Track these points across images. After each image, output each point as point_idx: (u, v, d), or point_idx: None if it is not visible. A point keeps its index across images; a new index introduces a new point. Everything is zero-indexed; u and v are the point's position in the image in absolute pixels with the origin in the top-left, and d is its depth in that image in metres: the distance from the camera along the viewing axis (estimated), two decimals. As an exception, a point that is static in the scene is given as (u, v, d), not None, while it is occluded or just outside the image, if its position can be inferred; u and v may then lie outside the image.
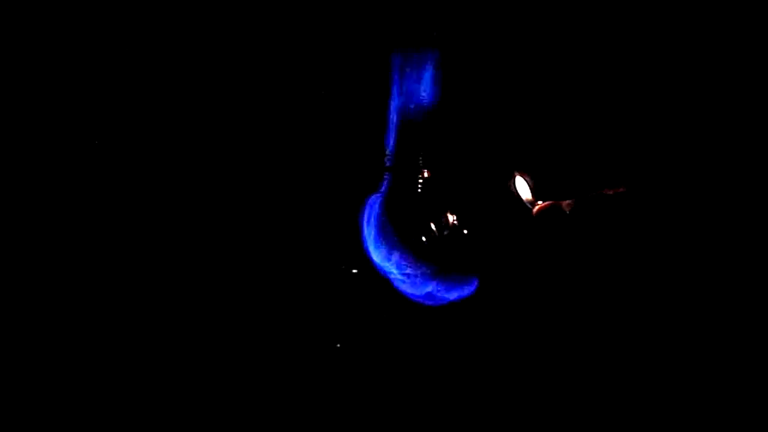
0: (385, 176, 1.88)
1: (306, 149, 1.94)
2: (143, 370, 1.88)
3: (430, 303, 1.90)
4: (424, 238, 1.84)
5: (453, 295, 1.89)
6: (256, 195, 1.94)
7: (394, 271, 1.84)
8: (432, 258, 1.86)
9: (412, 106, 1.84)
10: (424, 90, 1.84)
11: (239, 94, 1.94)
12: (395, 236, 1.85)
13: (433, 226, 1.85)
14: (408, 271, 1.85)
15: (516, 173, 1.73)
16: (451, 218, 1.86)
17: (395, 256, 1.85)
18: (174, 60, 1.93)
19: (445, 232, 1.84)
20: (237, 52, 1.93)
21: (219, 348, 1.91)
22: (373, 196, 1.86)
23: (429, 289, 1.89)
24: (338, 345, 1.90)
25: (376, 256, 1.85)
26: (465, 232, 1.85)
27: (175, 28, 1.91)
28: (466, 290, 1.88)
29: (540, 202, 1.68)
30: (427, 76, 1.83)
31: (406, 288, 1.87)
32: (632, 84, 1.79)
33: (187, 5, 1.90)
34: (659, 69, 1.77)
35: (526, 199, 1.72)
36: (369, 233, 1.85)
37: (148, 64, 1.92)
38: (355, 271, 1.88)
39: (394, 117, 1.84)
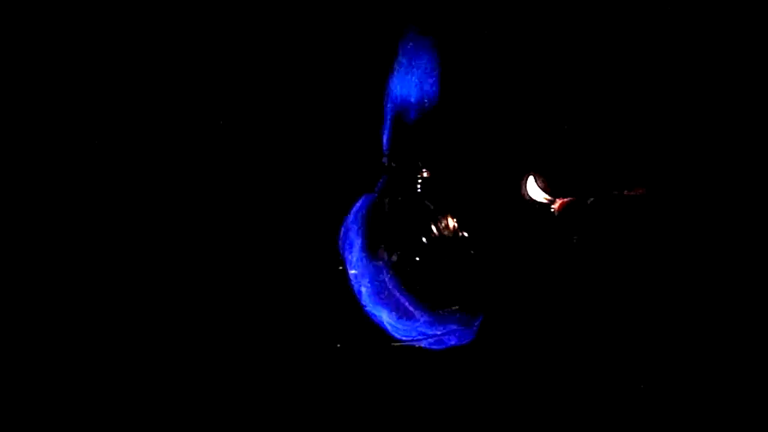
0: (382, 176, 1.78)
1: (301, 148, 1.86)
2: (142, 370, 1.80)
3: (423, 342, 1.75)
4: (424, 239, 1.72)
5: (446, 333, 1.74)
6: (249, 193, 1.85)
7: (365, 285, 1.71)
8: (427, 270, 1.74)
9: (411, 103, 1.76)
10: (424, 86, 1.76)
11: (235, 93, 1.88)
12: (385, 240, 1.73)
13: (433, 228, 1.73)
14: (389, 288, 1.72)
15: (527, 175, 1.65)
16: (452, 222, 1.75)
17: (378, 265, 1.72)
18: (171, 60, 1.88)
19: (445, 233, 1.73)
20: (235, 51, 1.88)
21: (206, 346, 1.81)
22: (366, 197, 1.76)
23: (418, 323, 1.75)
24: (338, 345, 1.76)
25: (355, 259, 1.72)
26: (466, 235, 1.74)
27: (174, 28, 1.87)
28: (467, 333, 1.73)
29: (559, 199, 1.60)
30: (428, 71, 1.76)
31: (384, 317, 1.74)
32: (647, 87, 1.74)
33: (187, 5, 1.87)
34: (677, 73, 1.73)
35: (544, 198, 1.63)
36: (350, 236, 1.73)
37: (147, 65, 1.88)
38: (354, 272, 1.75)
39: (391, 114, 1.76)
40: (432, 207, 1.75)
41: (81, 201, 1.84)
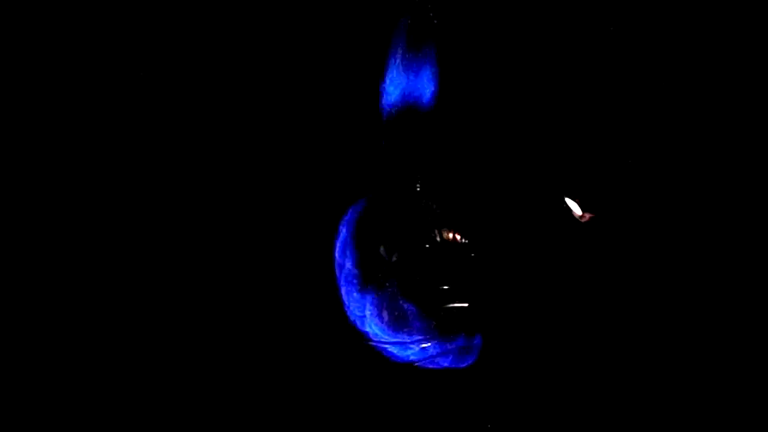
0: (378, 179, 1.74)
1: (299, 149, 1.84)
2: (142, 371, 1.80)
3: (416, 360, 1.70)
4: (425, 241, 1.67)
5: (442, 352, 1.69)
6: (246, 193, 1.84)
7: (358, 287, 1.67)
8: (427, 272, 1.69)
9: (410, 104, 1.74)
10: (424, 87, 1.74)
11: (234, 94, 1.87)
12: (384, 241, 1.68)
13: (437, 235, 1.69)
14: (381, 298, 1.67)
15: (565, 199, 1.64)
16: (452, 225, 1.71)
17: (375, 267, 1.68)
18: (171, 60, 1.87)
19: (445, 236, 1.69)
20: (234, 51, 1.87)
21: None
22: (364, 198, 1.72)
23: (412, 331, 1.70)
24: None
25: (351, 260, 1.68)
26: (466, 241, 1.70)
27: (174, 28, 1.87)
28: (465, 352, 1.68)
29: (588, 213, 1.60)
30: (427, 71, 1.74)
31: (374, 329, 1.69)
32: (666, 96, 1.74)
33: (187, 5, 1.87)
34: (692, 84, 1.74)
35: (578, 212, 1.62)
36: (346, 237, 1.69)
37: (147, 64, 1.87)
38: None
39: (389, 115, 1.73)
40: (432, 208, 1.71)
41: (80, 201, 1.82)
